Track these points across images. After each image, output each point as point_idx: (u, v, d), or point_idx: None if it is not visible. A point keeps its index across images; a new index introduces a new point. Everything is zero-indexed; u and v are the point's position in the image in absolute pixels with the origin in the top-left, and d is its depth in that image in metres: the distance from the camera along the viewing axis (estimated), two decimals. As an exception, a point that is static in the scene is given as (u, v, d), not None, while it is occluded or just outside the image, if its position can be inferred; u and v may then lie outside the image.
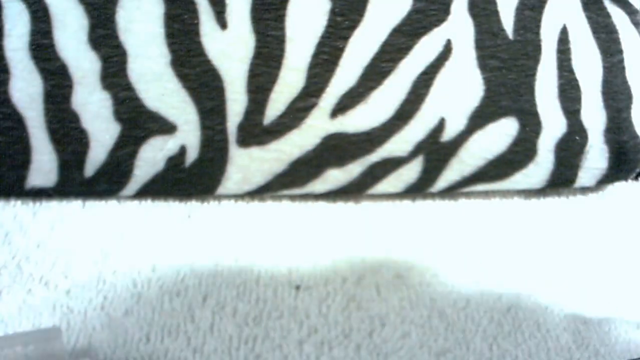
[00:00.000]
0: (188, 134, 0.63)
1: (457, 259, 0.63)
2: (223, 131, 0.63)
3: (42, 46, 0.60)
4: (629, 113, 0.67)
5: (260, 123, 0.63)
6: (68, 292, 0.57)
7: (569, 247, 0.66)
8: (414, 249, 0.64)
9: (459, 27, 0.63)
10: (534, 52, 0.65)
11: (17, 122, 0.61)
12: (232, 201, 0.67)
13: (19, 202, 0.65)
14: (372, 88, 0.63)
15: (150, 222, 0.65)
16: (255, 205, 0.67)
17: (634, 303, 0.60)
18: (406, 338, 0.55)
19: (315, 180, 0.66)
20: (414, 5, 0.63)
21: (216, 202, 0.67)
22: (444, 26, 0.63)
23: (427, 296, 0.59)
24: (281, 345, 0.54)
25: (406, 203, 0.69)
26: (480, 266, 0.63)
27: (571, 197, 0.73)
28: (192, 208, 0.66)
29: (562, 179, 0.69)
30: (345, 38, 0.62)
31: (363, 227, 0.66)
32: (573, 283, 0.62)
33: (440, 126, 0.64)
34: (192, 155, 0.64)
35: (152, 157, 0.64)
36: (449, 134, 0.65)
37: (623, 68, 0.67)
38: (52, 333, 0.52)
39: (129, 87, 0.61)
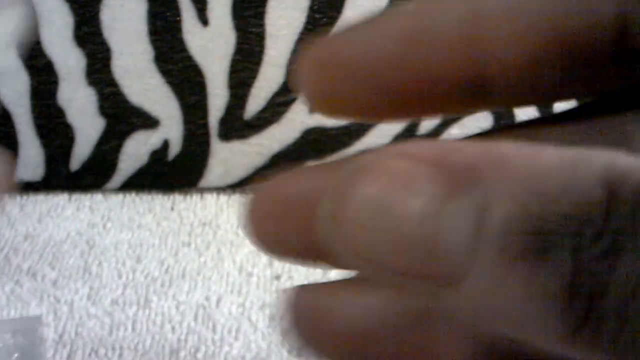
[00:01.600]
0: (171, 128, 0.64)
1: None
2: (205, 125, 0.64)
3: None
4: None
5: (241, 117, 0.64)
6: (55, 282, 0.58)
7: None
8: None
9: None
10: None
11: (4, 118, 0.62)
12: (214, 194, 0.68)
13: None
14: (349, 83, 0.64)
15: (135, 214, 0.65)
16: (237, 197, 0.68)
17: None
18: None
19: (296, 173, 0.67)
20: (390, 2, 0.64)
21: (199, 195, 0.68)
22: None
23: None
24: (264, 334, 0.55)
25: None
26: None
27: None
28: (176, 200, 0.67)
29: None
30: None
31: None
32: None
33: (416, 120, 0.66)
34: (174, 149, 0.65)
35: (136, 151, 0.65)
36: (425, 127, 0.66)
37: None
38: (31, 322, 0.52)
39: (113, 83, 0.62)
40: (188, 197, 0.68)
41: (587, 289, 0.13)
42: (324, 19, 0.63)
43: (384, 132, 0.66)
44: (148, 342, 0.54)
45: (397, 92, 0.18)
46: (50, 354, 0.52)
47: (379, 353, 0.19)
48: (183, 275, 0.59)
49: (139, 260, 0.60)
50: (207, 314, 0.56)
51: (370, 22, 0.19)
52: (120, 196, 0.67)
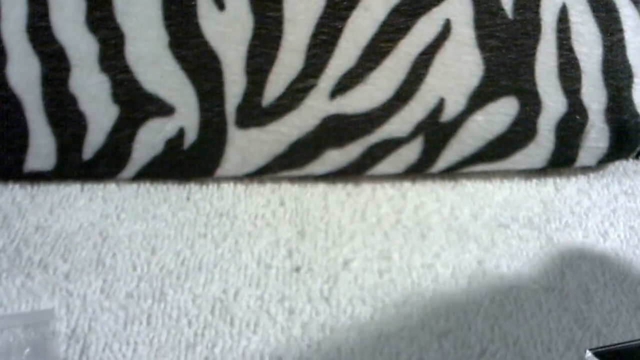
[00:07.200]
0: (187, 115, 0.63)
1: (458, 240, 0.63)
2: (221, 113, 0.63)
3: (39, 29, 0.60)
4: (630, 92, 0.67)
5: (259, 104, 0.63)
6: (67, 275, 0.57)
7: (570, 226, 0.66)
8: (414, 229, 0.64)
9: (458, 6, 0.63)
10: (533, 31, 0.64)
11: (14, 105, 0.61)
12: (232, 183, 0.67)
13: (17, 186, 0.65)
14: (371, 68, 0.63)
15: (150, 204, 0.64)
16: (255, 187, 0.67)
17: (635, 283, 0.60)
18: (408, 319, 0.55)
19: (315, 162, 0.66)
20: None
21: (215, 185, 0.67)
22: (442, 6, 0.63)
23: (429, 277, 0.59)
24: (283, 327, 0.54)
25: (406, 184, 0.69)
26: (482, 246, 0.63)
27: (572, 177, 0.72)
28: (191, 190, 0.66)
29: (563, 158, 0.69)
30: (344, 18, 0.62)
31: (362, 208, 0.66)
32: (574, 262, 0.62)
33: (439, 106, 0.64)
34: (190, 137, 0.64)
35: (150, 139, 0.63)
36: (448, 114, 0.65)
37: (623, 47, 0.66)
38: (43, 316, 0.52)
39: (127, 70, 0.61)
40: (204, 186, 0.67)
41: None
42: (345, 2, 0.61)
43: (406, 118, 0.64)
44: (163, 337, 0.53)
45: None
46: (62, 348, 0.51)
47: None
48: (199, 268, 0.58)
49: (153, 252, 0.60)
50: (225, 307, 0.55)
51: None
52: (134, 186, 0.66)
